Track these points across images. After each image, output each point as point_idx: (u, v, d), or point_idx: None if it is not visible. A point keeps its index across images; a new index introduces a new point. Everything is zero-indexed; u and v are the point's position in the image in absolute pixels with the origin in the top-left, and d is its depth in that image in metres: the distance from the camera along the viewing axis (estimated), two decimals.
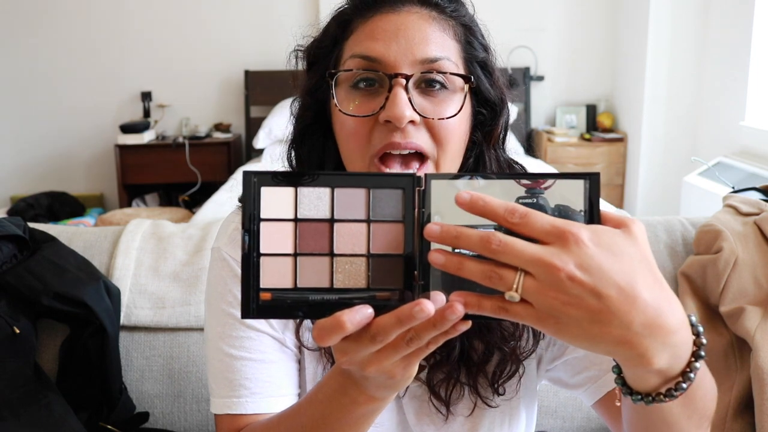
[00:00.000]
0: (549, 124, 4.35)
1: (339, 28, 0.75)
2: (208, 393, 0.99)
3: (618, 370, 0.56)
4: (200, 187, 4.02)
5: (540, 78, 4.30)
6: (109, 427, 1.12)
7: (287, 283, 0.54)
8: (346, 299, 0.53)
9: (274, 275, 0.54)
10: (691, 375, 0.52)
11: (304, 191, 0.55)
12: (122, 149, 3.92)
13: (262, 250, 0.54)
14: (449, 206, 0.51)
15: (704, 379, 0.57)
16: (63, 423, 0.95)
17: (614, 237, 0.47)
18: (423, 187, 0.53)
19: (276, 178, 0.54)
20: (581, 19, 4.26)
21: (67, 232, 1.31)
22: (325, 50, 0.76)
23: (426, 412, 0.81)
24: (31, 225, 1.26)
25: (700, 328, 0.53)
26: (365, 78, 0.71)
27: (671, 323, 0.48)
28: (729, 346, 1.19)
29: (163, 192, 4.22)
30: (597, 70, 4.32)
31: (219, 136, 4.14)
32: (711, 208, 1.42)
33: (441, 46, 0.71)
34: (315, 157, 0.78)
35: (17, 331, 1.09)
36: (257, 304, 0.53)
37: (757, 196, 1.42)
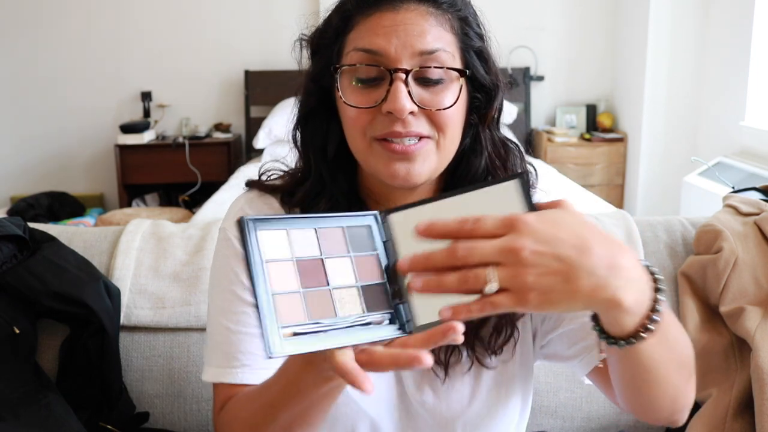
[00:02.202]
0: (549, 124, 4.35)
1: (341, 21, 0.79)
2: (208, 393, 0.98)
3: (596, 323, 0.63)
4: (200, 187, 4.02)
5: (540, 78, 4.30)
6: (109, 427, 1.12)
7: (301, 318, 0.58)
8: (352, 324, 0.59)
9: (289, 312, 0.58)
10: (658, 307, 0.60)
11: (293, 233, 0.61)
12: (122, 149, 3.92)
13: (274, 290, 0.58)
14: (409, 232, 0.57)
15: (672, 323, 0.65)
16: (63, 423, 0.95)
17: (553, 213, 0.56)
18: (384, 222, 0.63)
19: (268, 222, 0.60)
20: (581, 19, 4.26)
21: (67, 232, 1.31)
22: (327, 40, 0.80)
23: (426, 380, 0.85)
24: (31, 225, 1.26)
25: (651, 266, 0.61)
26: (367, 71, 0.76)
27: (626, 261, 0.55)
28: (729, 346, 1.19)
29: (163, 192, 4.22)
30: (597, 70, 4.32)
31: (219, 136, 4.14)
32: (711, 208, 1.42)
33: (438, 38, 0.75)
34: (318, 139, 0.83)
35: (17, 331, 1.09)
36: (281, 341, 0.56)
37: (757, 196, 1.42)
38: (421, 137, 0.76)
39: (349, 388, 0.65)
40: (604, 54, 4.28)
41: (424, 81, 0.76)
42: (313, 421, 0.69)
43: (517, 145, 0.86)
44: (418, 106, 0.74)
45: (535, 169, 0.86)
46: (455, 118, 0.78)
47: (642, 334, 0.60)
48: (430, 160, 0.77)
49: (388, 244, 0.63)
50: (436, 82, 0.76)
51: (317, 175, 0.83)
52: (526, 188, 0.59)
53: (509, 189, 0.59)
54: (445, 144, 0.77)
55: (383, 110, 0.74)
